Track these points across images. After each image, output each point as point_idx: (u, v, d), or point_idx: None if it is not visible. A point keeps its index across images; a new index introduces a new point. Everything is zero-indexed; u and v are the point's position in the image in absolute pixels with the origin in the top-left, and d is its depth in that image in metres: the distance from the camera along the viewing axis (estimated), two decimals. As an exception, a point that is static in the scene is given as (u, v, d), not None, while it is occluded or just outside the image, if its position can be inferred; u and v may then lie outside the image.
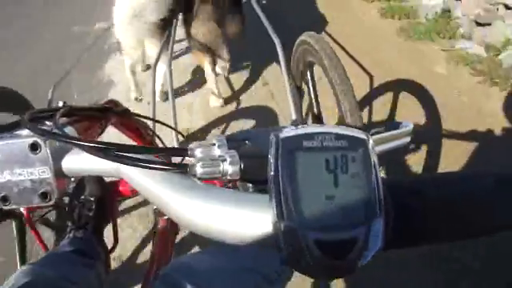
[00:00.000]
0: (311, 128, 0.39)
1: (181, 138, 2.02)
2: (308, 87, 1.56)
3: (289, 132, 0.39)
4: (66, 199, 1.13)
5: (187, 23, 2.77)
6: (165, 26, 2.65)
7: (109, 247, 1.14)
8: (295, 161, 0.38)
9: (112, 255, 1.16)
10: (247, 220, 0.39)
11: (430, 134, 2.68)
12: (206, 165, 0.41)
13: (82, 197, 1.09)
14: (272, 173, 0.37)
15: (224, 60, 2.93)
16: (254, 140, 0.45)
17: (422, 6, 4.33)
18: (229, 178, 0.41)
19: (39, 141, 0.49)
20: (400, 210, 0.40)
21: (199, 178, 0.41)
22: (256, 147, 0.43)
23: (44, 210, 1.21)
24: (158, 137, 1.06)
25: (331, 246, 0.36)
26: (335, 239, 0.36)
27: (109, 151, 0.43)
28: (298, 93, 1.75)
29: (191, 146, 0.43)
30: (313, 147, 0.39)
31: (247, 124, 2.92)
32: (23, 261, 1.32)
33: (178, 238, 1.29)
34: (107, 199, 1.12)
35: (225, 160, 0.41)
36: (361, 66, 3.52)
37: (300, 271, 0.38)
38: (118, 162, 0.43)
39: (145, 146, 0.43)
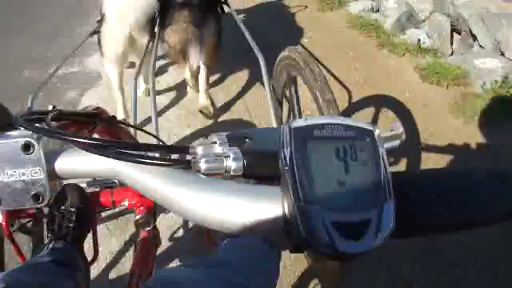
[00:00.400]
0: (321, 119, 0.41)
1: None
2: (291, 101, 1.58)
3: (300, 123, 0.41)
4: (46, 209, 1.11)
5: (164, 28, 2.76)
6: (150, 29, 2.66)
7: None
8: (307, 149, 0.40)
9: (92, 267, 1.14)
10: (259, 210, 0.40)
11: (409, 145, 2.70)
12: (209, 160, 0.41)
13: (63, 207, 1.07)
14: (287, 160, 0.39)
15: (203, 65, 2.93)
16: (254, 138, 0.45)
17: (474, 69, 3.33)
18: (232, 173, 0.41)
19: (32, 141, 0.49)
20: (401, 200, 0.41)
21: (203, 174, 0.41)
22: (258, 145, 0.44)
23: (23, 221, 1.18)
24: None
25: (347, 226, 0.38)
26: (350, 220, 0.38)
27: (108, 149, 0.43)
28: (280, 106, 1.76)
29: (192, 144, 0.43)
30: (323, 136, 0.40)
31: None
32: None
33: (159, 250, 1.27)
34: (88, 210, 1.11)
35: (228, 156, 0.41)
36: (341, 82, 3.52)
37: (317, 252, 0.38)
38: (119, 159, 0.42)
39: (144, 143, 0.43)
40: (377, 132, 0.42)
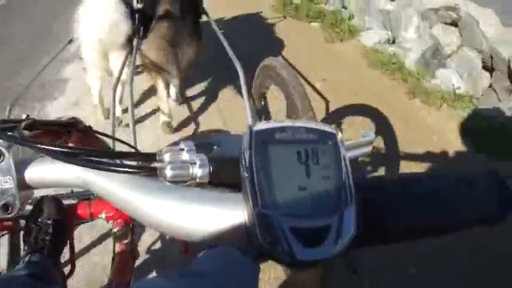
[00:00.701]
0: (282, 122, 0.41)
1: None
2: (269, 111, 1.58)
3: (262, 125, 0.41)
4: (22, 222, 1.09)
5: (143, 42, 2.77)
6: (128, 43, 2.68)
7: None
8: (268, 152, 0.39)
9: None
10: (222, 216, 0.40)
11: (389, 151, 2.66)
12: (175, 167, 0.41)
13: (39, 220, 1.06)
14: (246, 163, 0.38)
15: (175, 82, 2.95)
16: (222, 145, 0.45)
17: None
18: (198, 180, 0.42)
19: (3, 149, 0.48)
20: (367, 206, 0.41)
21: (169, 181, 0.41)
22: (225, 151, 0.44)
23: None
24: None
25: (306, 233, 0.38)
26: (310, 226, 0.38)
27: (76, 156, 0.43)
28: (259, 116, 1.77)
29: (160, 151, 0.44)
30: (285, 140, 0.40)
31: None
32: None
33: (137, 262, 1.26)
34: (65, 222, 1.10)
35: (194, 163, 0.42)
36: (317, 91, 3.49)
37: (276, 260, 0.38)
38: (86, 166, 0.42)
39: (112, 151, 0.43)
40: (339, 135, 0.42)
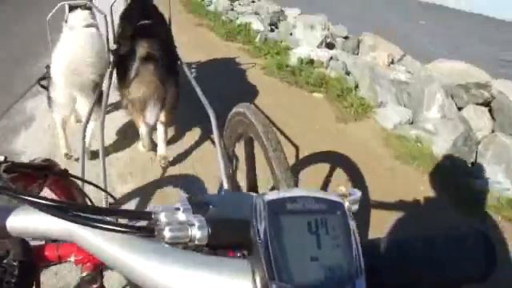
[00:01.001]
0: (293, 192, 0.41)
1: (111, 200, 1.96)
2: (246, 160, 1.57)
3: (273, 195, 0.40)
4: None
5: (124, 83, 2.74)
6: (97, 84, 2.66)
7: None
8: (280, 223, 0.39)
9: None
10: (227, 284, 0.39)
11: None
12: (174, 229, 0.40)
13: (5, 261, 1.02)
14: (260, 235, 0.38)
15: (161, 125, 2.94)
16: (218, 205, 0.44)
17: None
18: (197, 243, 0.40)
19: (-17, 197, 0.47)
20: (366, 272, 0.41)
21: (167, 243, 0.40)
22: (221, 212, 0.43)
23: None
24: (90, 199, 1.02)
25: None
26: None
27: (67, 211, 0.41)
28: (231, 163, 1.75)
29: (154, 209, 0.42)
30: (296, 210, 0.40)
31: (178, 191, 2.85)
32: None
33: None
34: (32, 264, 1.06)
35: (193, 224, 0.40)
36: (288, 139, 3.49)
37: None
38: (78, 223, 0.41)
39: (106, 208, 0.41)
40: (346, 205, 0.43)
